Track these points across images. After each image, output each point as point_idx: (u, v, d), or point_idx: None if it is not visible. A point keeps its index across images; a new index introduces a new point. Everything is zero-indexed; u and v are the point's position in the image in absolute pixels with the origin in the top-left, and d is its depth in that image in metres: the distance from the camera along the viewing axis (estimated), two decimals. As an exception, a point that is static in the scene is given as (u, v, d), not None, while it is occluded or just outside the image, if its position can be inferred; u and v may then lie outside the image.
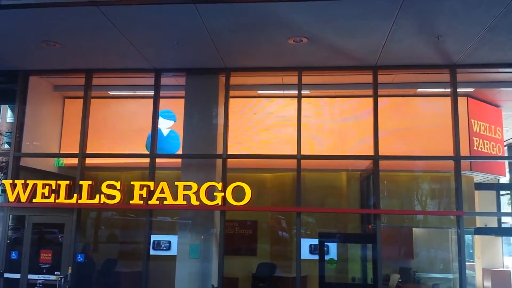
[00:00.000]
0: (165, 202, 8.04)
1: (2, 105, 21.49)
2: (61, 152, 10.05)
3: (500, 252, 12.97)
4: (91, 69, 8.89)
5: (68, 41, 7.54)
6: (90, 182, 8.25)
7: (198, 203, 7.92)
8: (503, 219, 11.80)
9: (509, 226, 13.24)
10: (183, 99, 8.87)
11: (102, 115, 9.91)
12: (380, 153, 8.20)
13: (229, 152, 8.51)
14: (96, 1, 6.20)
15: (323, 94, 9.86)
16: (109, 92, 10.12)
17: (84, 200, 8.19)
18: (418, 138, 9.43)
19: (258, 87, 9.75)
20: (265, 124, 9.84)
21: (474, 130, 9.84)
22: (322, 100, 9.93)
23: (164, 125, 9.67)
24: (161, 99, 8.89)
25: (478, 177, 10.83)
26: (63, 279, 8.33)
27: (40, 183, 8.29)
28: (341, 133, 9.70)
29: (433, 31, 6.85)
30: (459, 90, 8.39)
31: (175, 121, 9.72)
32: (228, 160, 8.44)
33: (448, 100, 8.40)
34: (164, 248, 8.93)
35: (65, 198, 8.23)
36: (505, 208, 12.50)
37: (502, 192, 12.32)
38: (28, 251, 8.58)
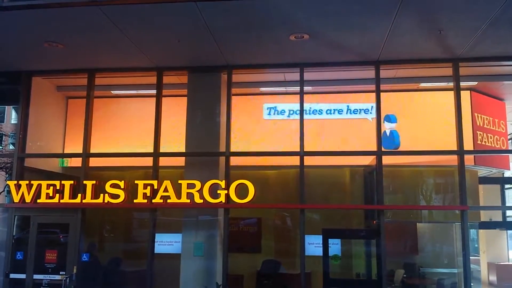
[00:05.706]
0: (169, 201, 8.05)
1: (6, 106, 21.60)
2: (65, 152, 10.08)
3: (505, 246, 12.94)
4: (94, 69, 8.90)
5: (70, 42, 7.56)
6: (94, 182, 8.26)
7: (201, 201, 7.92)
8: (508, 212, 11.78)
9: (514, 220, 13.20)
10: (185, 97, 8.89)
11: (105, 115, 9.93)
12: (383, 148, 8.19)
13: (232, 149, 8.51)
14: (97, 1, 6.21)
15: (325, 90, 9.84)
16: (111, 91, 10.14)
17: (88, 199, 8.21)
18: (421, 133, 9.40)
19: (260, 84, 9.74)
20: (267, 121, 9.83)
21: (478, 124, 9.79)
22: (324, 96, 9.91)
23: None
24: (163, 98, 8.89)
25: (482, 171, 10.79)
26: (68, 278, 8.36)
27: (44, 183, 8.31)
28: (344, 129, 9.68)
29: (435, 25, 6.82)
30: (462, 84, 8.36)
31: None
32: (231, 157, 8.45)
33: (451, 94, 8.37)
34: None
35: (69, 198, 8.25)
36: (509, 201, 12.47)
37: (506, 186, 12.29)
38: (33, 251, 8.60)
